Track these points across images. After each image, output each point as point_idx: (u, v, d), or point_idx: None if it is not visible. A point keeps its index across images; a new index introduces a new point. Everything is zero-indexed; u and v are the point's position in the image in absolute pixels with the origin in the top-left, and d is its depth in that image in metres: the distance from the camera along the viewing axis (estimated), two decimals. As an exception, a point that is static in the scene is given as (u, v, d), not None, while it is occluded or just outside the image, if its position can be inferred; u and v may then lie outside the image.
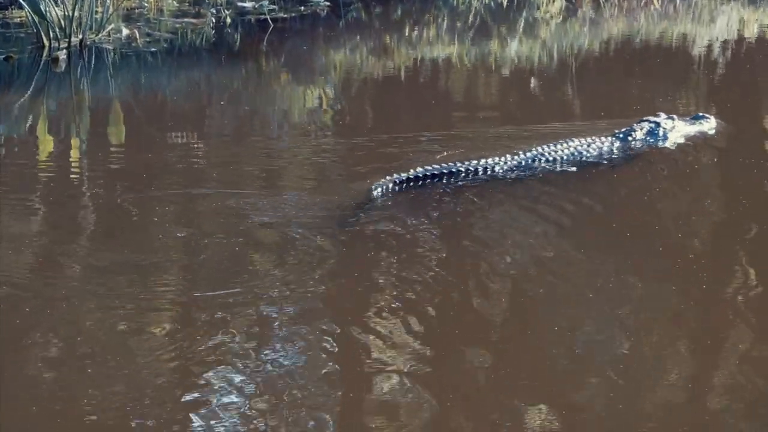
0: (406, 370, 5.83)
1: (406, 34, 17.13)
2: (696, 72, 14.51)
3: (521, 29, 17.78)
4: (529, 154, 8.93)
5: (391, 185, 8.29)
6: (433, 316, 6.48)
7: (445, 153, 9.23)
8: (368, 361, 5.95)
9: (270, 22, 17.04)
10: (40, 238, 7.61)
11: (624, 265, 7.20)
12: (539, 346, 6.20)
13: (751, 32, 18.00)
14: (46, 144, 10.10)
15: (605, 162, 9.08)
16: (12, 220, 7.88)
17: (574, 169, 8.90)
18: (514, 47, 16.16)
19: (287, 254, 7.17)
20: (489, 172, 8.61)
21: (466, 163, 8.67)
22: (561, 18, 18.86)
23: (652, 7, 19.93)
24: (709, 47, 16.44)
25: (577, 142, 9.22)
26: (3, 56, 13.84)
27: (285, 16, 17.76)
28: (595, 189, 8.66)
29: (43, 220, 8.01)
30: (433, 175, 8.51)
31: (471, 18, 18.65)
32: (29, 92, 12.47)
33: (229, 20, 17.18)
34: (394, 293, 6.72)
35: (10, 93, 12.44)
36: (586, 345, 6.23)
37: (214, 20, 17.02)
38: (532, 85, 13.47)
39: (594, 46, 16.59)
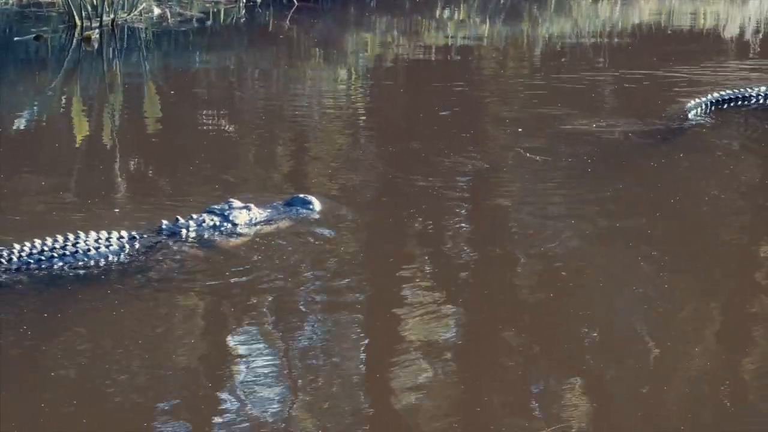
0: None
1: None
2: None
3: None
4: None
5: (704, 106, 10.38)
6: None
7: None
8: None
9: (295, 1, 16.98)
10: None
11: None
12: None
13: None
14: (81, 124, 10.11)
15: None
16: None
17: None
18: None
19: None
20: None
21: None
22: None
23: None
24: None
25: None
26: (34, 35, 13.84)
27: (316, -5, 17.69)
28: None
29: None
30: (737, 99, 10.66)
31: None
32: (63, 71, 12.48)
33: (260, 0, 17.13)
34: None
35: (43, 72, 12.45)
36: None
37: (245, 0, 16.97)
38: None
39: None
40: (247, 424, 5.34)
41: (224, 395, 5.61)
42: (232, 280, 6.81)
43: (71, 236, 6.96)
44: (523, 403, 5.51)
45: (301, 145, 9.83)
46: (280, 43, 14.98)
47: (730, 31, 16.34)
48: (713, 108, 10.54)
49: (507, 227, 7.87)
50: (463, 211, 8.13)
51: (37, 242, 6.83)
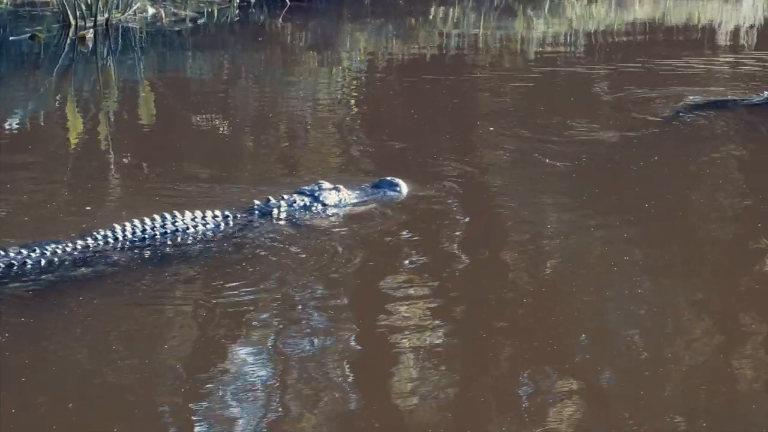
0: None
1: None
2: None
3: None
4: None
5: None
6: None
7: None
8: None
9: (287, 0, 16.97)
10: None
11: None
12: None
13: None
14: (76, 123, 10.09)
15: None
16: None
17: None
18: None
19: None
20: None
21: None
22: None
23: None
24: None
25: None
26: (29, 35, 13.83)
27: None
28: None
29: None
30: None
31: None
32: (57, 71, 12.47)
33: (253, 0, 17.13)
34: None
35: (38, 72, 12.44)
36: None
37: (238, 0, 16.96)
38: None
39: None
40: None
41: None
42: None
43: (169, 216, 7.19)
44: (519, 407, 5.51)
45: (318, 138, 9.84)
46: (274, 43, 14.99)
47: (724, 32, 16.36)
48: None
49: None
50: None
51: (139, 222, 7.06)
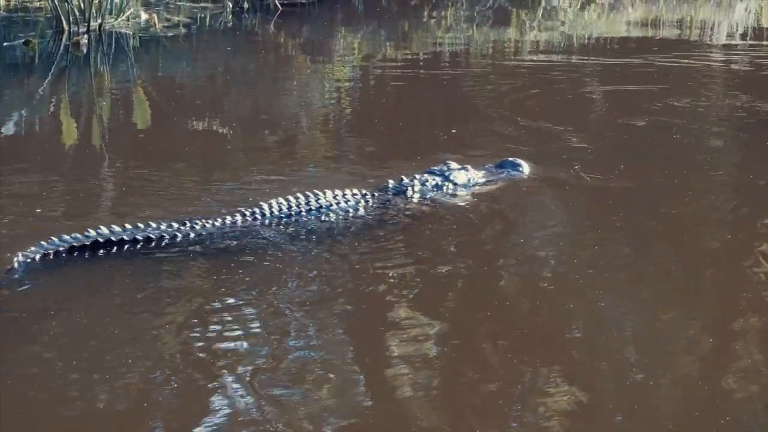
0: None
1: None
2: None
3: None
4: None
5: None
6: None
7: None
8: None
9: (279, 6, 16.98)
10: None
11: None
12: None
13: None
14: (70, 128, 10.07)
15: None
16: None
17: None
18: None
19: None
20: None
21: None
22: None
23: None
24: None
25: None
26: (23, 40, 13.81)
27: (303, 1, 17.71)
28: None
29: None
30: None
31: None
32: (51, 76, 12.44)
33: (246, 5, 17.13)
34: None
35: (33, 77, 12.42)
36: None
37: (231, 5, 16.97)
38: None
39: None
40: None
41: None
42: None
43: (312, 194, 7.55)
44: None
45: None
46: (269, 48, 14.99)
47: (717, 35, 16.40)
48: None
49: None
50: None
51: (284, 200, 7.41)
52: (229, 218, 7.15)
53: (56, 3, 14.20)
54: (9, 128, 9.98)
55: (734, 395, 5.57)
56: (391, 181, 8.05)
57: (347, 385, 5.44)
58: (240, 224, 7.15)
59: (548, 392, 5.43)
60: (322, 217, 7.44)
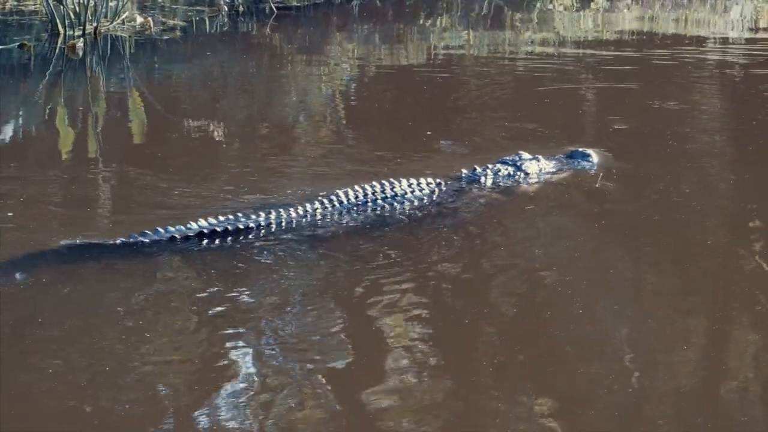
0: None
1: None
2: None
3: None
4: None
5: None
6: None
7: None
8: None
9: (274, 9, 16.97)
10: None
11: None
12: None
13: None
14: (66, 133, 10.05)
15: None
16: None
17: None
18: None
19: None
20: None
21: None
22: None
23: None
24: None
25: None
26: (18, 44, 13.79)
27: (298, 4, 17.71)
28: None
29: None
30: None
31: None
32: (47, 80, 12.43)
33: (242, 8, 17.12)
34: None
35: (28, 80, 12.40)
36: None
37: (227, 8, 16.96)
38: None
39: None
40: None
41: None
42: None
43: (387, 182, 7.82)
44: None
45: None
46: (264, 51, 14.97)
47: (713, 36, 16.42)
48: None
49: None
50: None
51: (360, 188, 7.71)
52: (308, 206, 7.46)
53: (52, 6, 14.19)
54: (4, 133, 9.96)
55: (733, 396, 5.58)
56: (464, 170, 8.27)
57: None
58: (319, 211, 7.47)
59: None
60: (397, 205, 7.70)
